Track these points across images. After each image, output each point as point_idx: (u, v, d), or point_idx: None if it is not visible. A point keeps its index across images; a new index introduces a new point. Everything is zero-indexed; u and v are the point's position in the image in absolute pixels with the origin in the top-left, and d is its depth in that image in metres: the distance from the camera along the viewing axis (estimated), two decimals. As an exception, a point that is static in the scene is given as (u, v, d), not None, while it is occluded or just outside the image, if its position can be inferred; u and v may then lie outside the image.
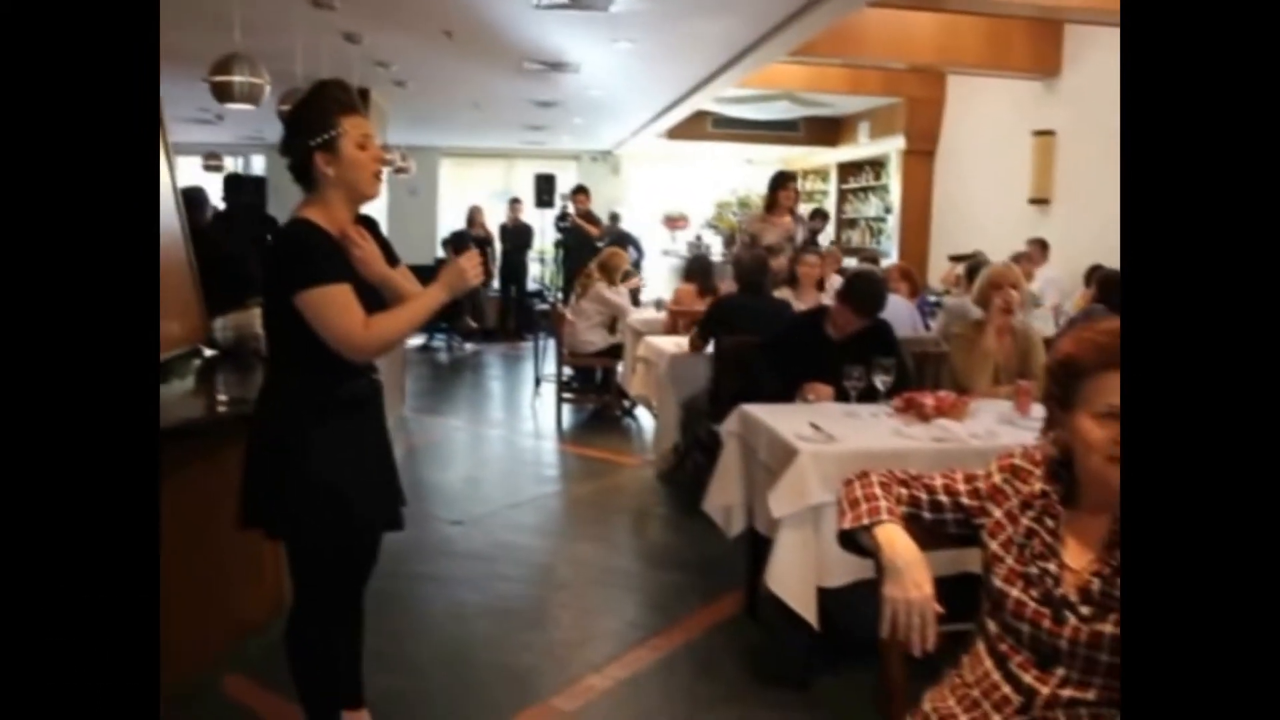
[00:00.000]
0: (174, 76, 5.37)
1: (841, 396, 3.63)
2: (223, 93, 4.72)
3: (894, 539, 1.68)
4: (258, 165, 14.19)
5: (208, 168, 12.11)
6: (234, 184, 8.51)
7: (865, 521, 1.72)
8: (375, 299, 2.41)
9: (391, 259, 2.50)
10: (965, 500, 1.76)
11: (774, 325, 4.52)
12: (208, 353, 4.03)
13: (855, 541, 1.77)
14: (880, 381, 3.55)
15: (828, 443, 3.06)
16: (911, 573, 1.63)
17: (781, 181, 6.81)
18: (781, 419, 3.34)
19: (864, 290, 3.88)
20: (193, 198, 7.55)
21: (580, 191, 11.58)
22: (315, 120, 2.30)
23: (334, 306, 2.23)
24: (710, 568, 4.27)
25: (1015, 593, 1.62)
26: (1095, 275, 6.18)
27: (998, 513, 1.70)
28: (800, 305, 5.34)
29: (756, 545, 3.57)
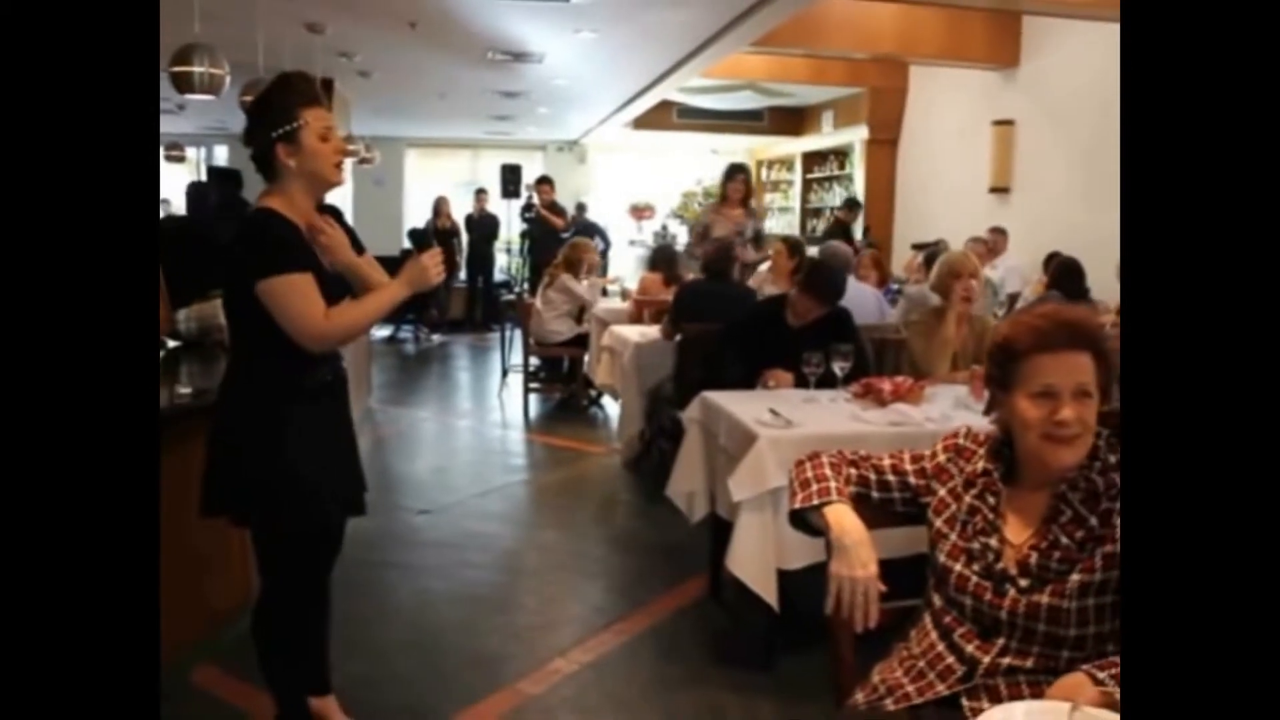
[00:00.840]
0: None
1: (801, 383, 3.70)
2: (183, 83, 4.70)
3: (842, 518, 1.74)
4: (220, 155, 14.06)
5: (170, 158, 11.98)
6: (225, 176, 8.50)
7: (815, 501, 1.78)
8: (340, 288, 2.45)
9: (357, 247, 2.53)
10: (912, 480, 1.82)
11: (739, 312, 4.58)
12: (171, 344, 4.04)
13: (805, 521, 1.84)
14: (839, 368, 3.62)
15: (786, 428, 3.12)
16: (858, 551, 1.69)
17: (730, 174, 6.88)
18: (741, 405, 3.40)
19: (823, 278, 3.95)
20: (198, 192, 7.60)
21: (544, 182, 11.60)
22: (277, 112, 2.32)
23: (293, 295, 2.26)
24: (674, 553, 4.33)
25: (958, 567, 1.69)
26: (1052, 262, 6.30)
27: (942, 491, 1.77)
28: (775, 291, 5.40)
29: (719, 530, 3.62)
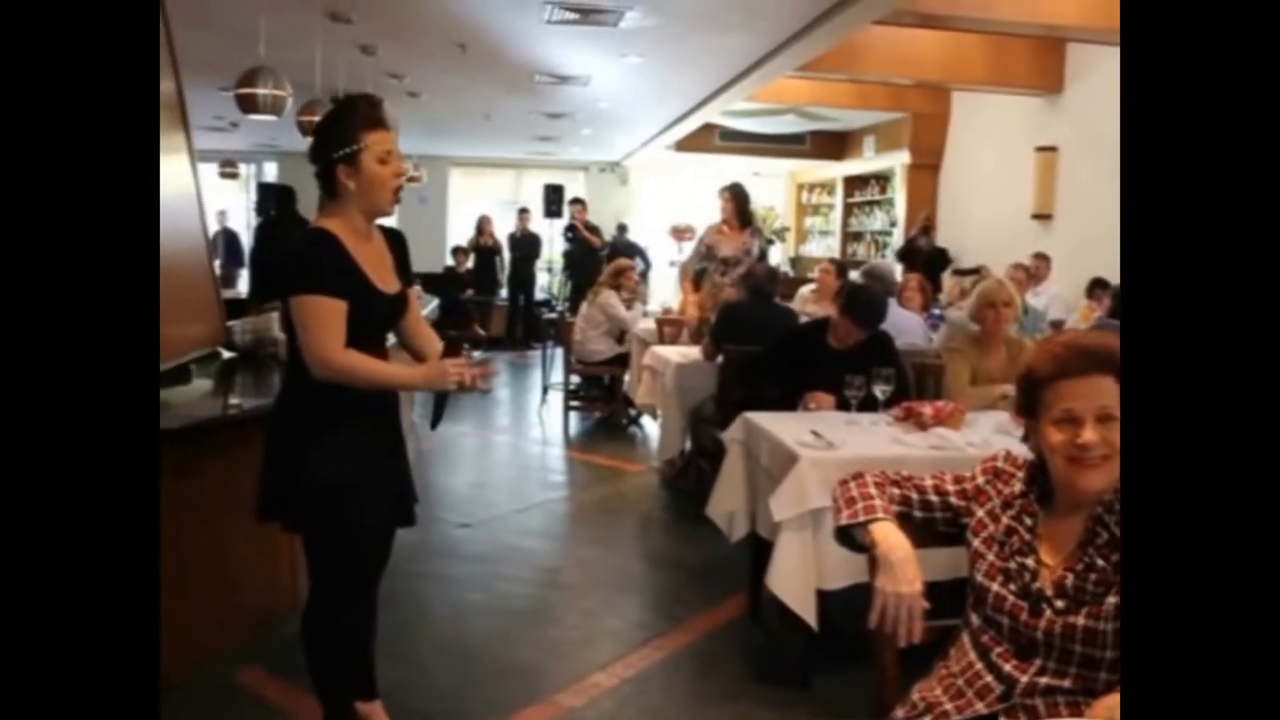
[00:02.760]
0: (192, 85, 5.46)
1: (842, 405, 3.73)
2: (248, 104, 4.83)
3: (889, 535, 1.78)
4: (270, 172, 14.32)
5: (223, 174, 12.21)
6: (280, 193, 8.75)
7: (861, 518, 1.82)
8: (394, 310, 2.53)
9: (406, 273, 2.60)
10: (954, 500, 1.86)
11: (780, 334, 4.62)
12: (225, 354, 4.14)
13: (851, 537, 1.87)
14: (880, 391, 3.64)
15: (828, 449, 3.16)
16: (904, 568, 1.73)
17: (721, 192, 6.71)
18: (783, 426, 3.44)
19: (865, 302, 3.99)
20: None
21: (576, 202, 11.74)
22: (339, 133, 2.38)
23: (319, 319, 2.32)
24: (712, 571, 4.36)
25: (995, 587, 1.72)
26: (1107, 290, 6.26)
27: (980, 512, 1.80)
28: (819, 313, 5.43)
29: (759, 549, 3.65)
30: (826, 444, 3.19)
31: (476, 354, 11.66)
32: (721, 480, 3.76)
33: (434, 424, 2.67)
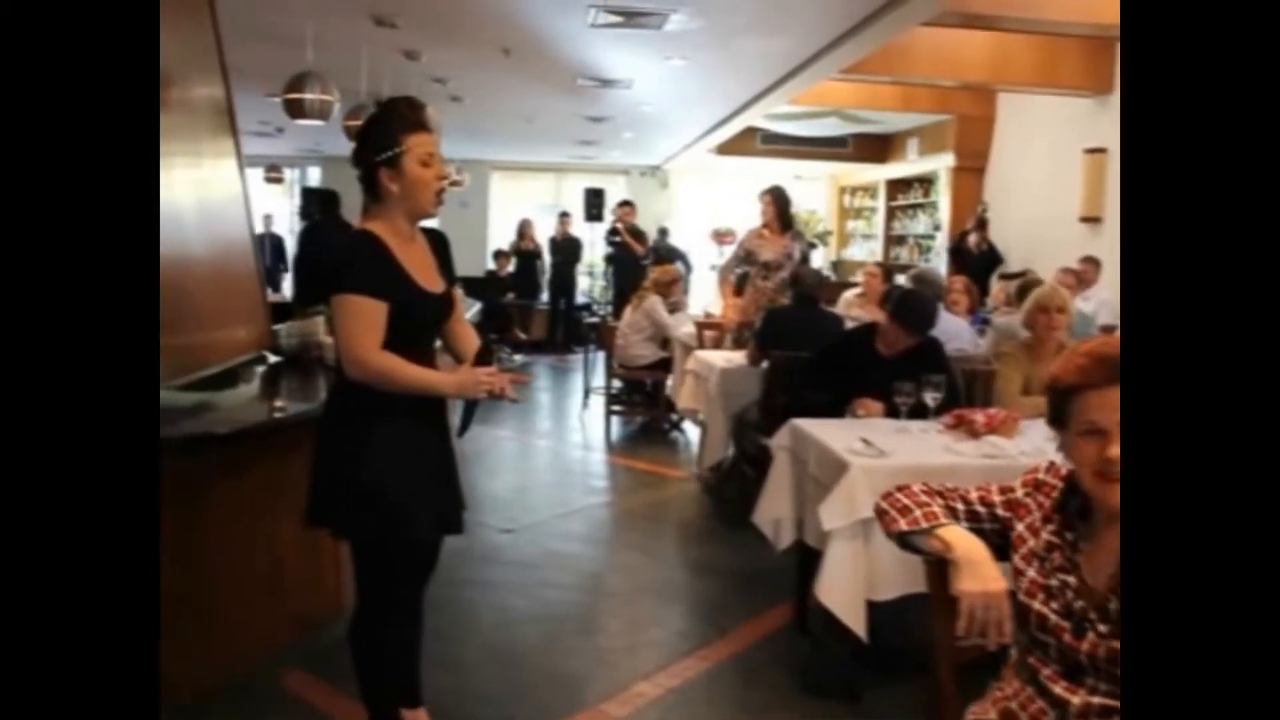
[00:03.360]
0: (239, 91, 5.50)
1: (891, 412, 3.67)
2: (295, 109, 4.85)
3: (960, 538, 1.73)
4: (314, 176, 14.45)
5: (268, 179, 12.34)
6: (324, 197, 8.84)
7: (924, 525, 1.76)
8: (439, 310, 2.53)
9: (449, 273, 2.59)
10: (1000, 511, 1.79)
11: (825, 339, 4.57)
12: (271, 359, 4.15)
13: (912, 545, 1.82)
14: (930, 398, 3.58)
15: (879, 457, 3.10)
16: (985, 567, 1.68)
17: (760, 196, 6.59)
18: (832, 433, 3.39)
19: (915, 308, 3.92)
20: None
21: (625, 205, 11.68)
22: (381, 136, 2.39)
23: (356, 318, 2.32)
24: (757, 580, 4.31)
25: (1037, 605, 1.65)
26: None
27: (1020, 526, 1.74)
28: (865, 317, 5.36)
29: (806, 558, 3.60)
30: (877, 452, 3.13)
31: (517, 358, 11.76)
32: (768, 487, 3.71)
33: (461, 431, 2.65)
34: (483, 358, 2.49)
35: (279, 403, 3.91)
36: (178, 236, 3.31)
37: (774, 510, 3.67)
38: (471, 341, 2.66)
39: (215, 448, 2.99)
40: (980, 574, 1.67)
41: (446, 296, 2.56)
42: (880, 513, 1.88)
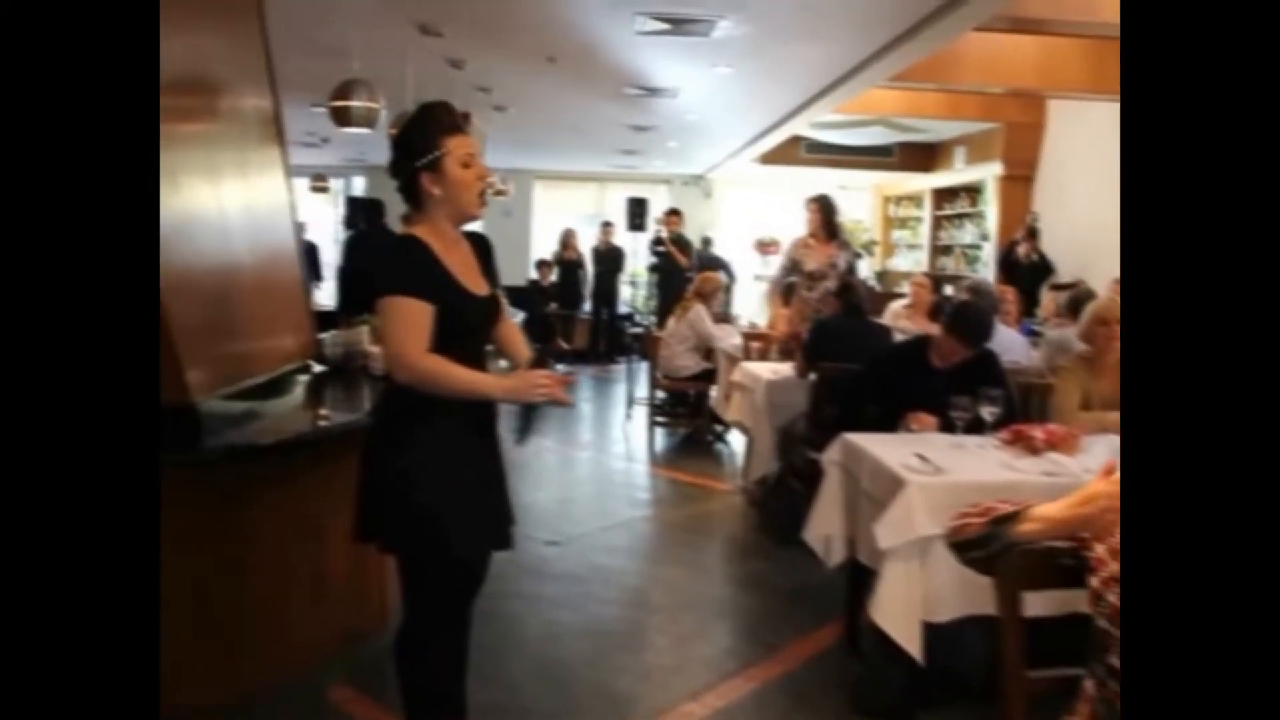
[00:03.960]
0: (285, 102, 5.53)
1: (946, 427, 3.57)
2: (341, 117, 4.85)
3: (1055, 503, 1.71)
4: (358, 186, 14.56)
5: (314, 189, 12.45)
6: (368, 205, 8.89)
7: (1009, 509, 1.71)
8: (487, 315, 2.49)
9: (492, 276, 2.56)
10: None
11: (873, 351, 4.48)
12: (316, 368, 4.13)
13: (995, 542, 1.76)
14: (988, 413, 3.48)
15: (936, 474, 3.01)
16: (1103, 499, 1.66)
17: (807, 204, 6.48)
18: (886, 449, 3.30)
19: (971, 320, 3.81)
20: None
21: (673, 213, 11.59)
22: (419, 141, 2.36)
23: (403, 319, 2.28)
24: (806, 597, 4.22)
25: (1116, 632, 1.57)
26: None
27: (1101, 548, 1.66)
28: (913, 329, 5.26)
29: (857, 576, 3.52)
30: (934, 468, 3.05)
31: (560, 368, 11.73)
32: (819, 503, 3.63)
33: (520, 439, 2.59)
34: (539, 361, 2.46)
35: (323, 413, 3.90)
36: (225, 246, 3.31)
37: (825, 526, 3.59)
38: (522, 348, 2.62)
39: (260, 458, 2.97)
40: (1100, 499, 1.66)
41: (493, 299, 2.52)
42: (956, 530, 1.81)
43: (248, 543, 3.15)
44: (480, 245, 2.56)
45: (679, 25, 5.54)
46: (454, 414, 2.39)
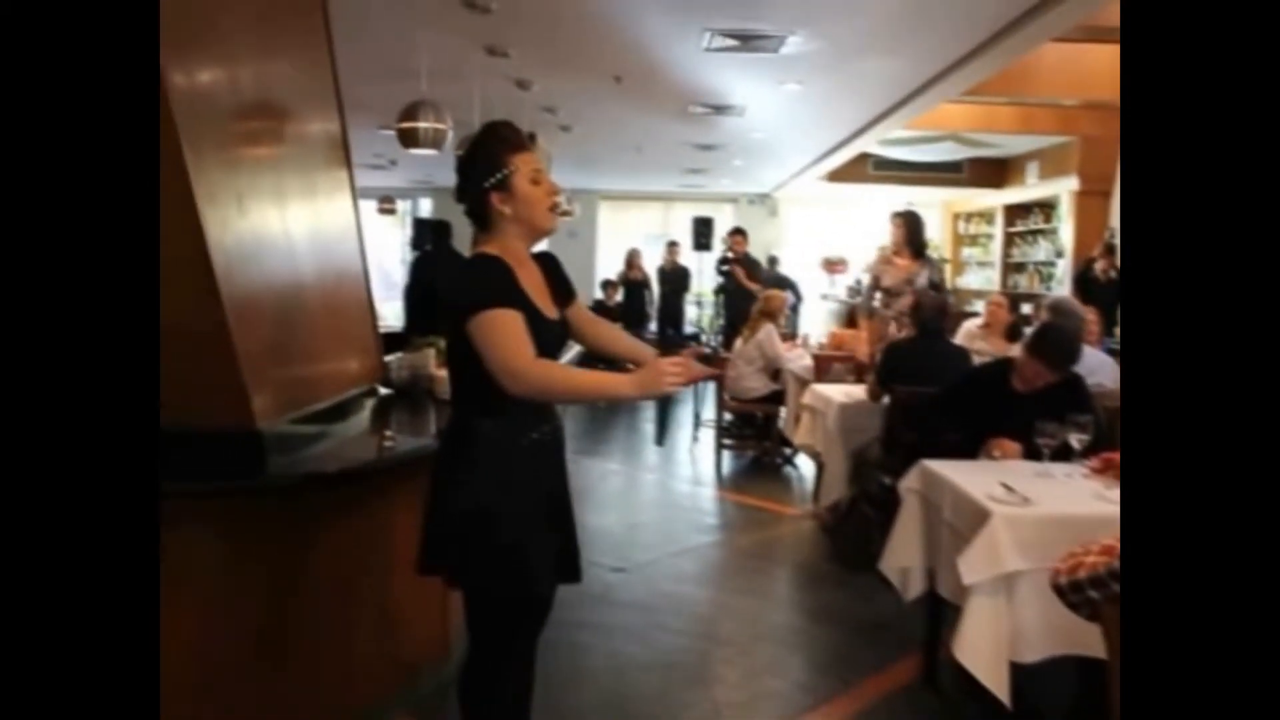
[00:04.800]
0: (353, 124, 5.54)
1: (1031, 454, 3.41)
2: (408, 139, 4.83)
3: None
4: (425, 208, 14.68)
5: (381, 211, 12.58)
6: (436, 227, 8.94)
7: None
8: (559, 337, 2.42)
9: (568, 293, 2.51)
10: None
11: (951, 374, 4.33)
12: (383, 391, 4.09)
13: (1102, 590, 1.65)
14: (1076, 440, 3.31)
15: (1023, 505, 2.86)
16: None
17: (891, 219, 6.25)
18: (968, 477, 3.16)
19: (1057, 342, 3.65)
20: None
21: (737, 233, 11.40)
22: (486, 161, 2.31)
23: (504, 331, 2.19)
24: (882, 629, 4.07)
25: None
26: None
27: None
28: (989, 350, 5.09)
29: (935, 608, 3.38)
30: (1021, 499, 2.89)
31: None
32: (896, 533, 3.49)
33: (659, 438, 2.47)
34: (670, 348, 2.36)
35: (388, 439, 3.85)
36: (291, 269, 3.28)
37: (902, 558, 3.45)
38: (635, 341, 2.56)
39: (325, 486, 2.92)
40: None
41: (564, 322, 2.46)
42: (1068, 569, 1.69)
43: (311, 571, 3.09)
44: (548, 263, 2.50)
45: (748, 41, 5.46)
46: (530, 443, 2.33)
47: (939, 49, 5.67)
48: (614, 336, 2.56)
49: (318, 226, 3.51)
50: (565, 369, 2.25)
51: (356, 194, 3.81)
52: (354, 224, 3.81)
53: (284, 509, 2.95)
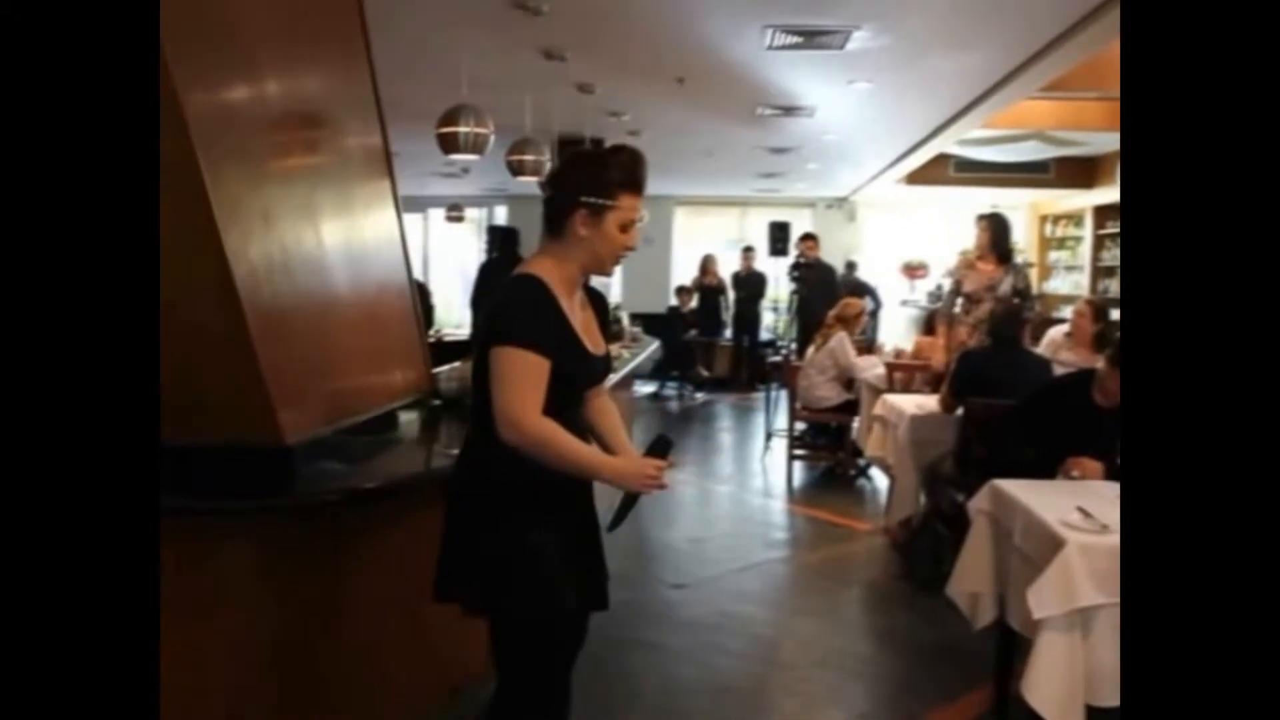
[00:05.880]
0: (420, 134, 5.51)
1: (1113, 475, 3.15)
2: (448, 144, 4.74)
3: None
4: (500, 215, 14.70)
5: (450, 218, 12.65)
6: (505, 234, 8.92)
7: None
8: (596, 373, 2.31)
9: (606, 329, 2.44)
10: None
11: (1029, 386, 4.06)
12: (431, 403, 3.99)
13: None
14: (1162, 458, 3.05)
15: (1101, 533, 2.61)
16: None
17: (976, 221, 5.94)
18: (1042, 499, 2.91)
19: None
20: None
21: (808, 238, 11.04)
22: (599, 180, 2.19)
23: (521, 374, 2.06)
24: (951, 657, 3.82)
25: None
26: None
27: None
28: (1073, 361, 4.80)
29: (1007, 637, 3.15)
30: (1099, 525, 2.65)
31: (699, 395, 11.52)
32: (965, 557, 3.27)
33: (613, 525, 2.32)
34: (659, 448, 2.19)
35: (428, 453, 3.74)
36: (323, 282, 3.18)
37: (971, 583, 3.22)
38: (621, 428, 2.41)
39: (356, 504, 2.83)
40: None
41: (606, 358, 2.35)
42: None
43: (345, 590, 3.00)
44: (598, 300, 2.41)
45: (811, 38, 5.24)
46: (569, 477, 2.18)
47: (1015, 41, 5.39)
48: (612, 428, 2.40)
49: (354, 238, 3.42)
50: (563, 436, 2.10)
51: (400, 204, 3.72)
52: (397, 235, 3.71)
53: (317, 526, 2.86)
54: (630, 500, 2.23)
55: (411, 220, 14.61)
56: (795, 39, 5.28)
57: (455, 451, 3.38)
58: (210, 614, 2.71)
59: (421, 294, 7.64)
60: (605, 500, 2.35)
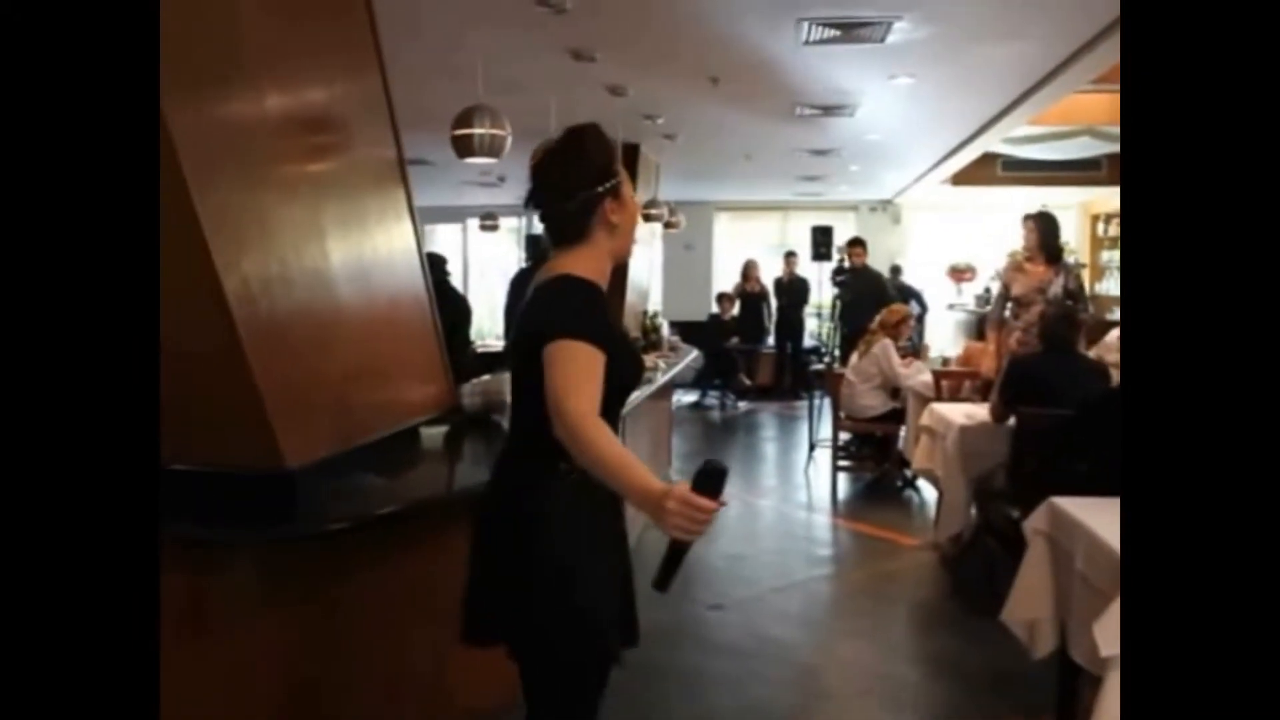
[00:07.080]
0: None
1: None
2: (463, 146, 4.58)
3: None
4: (538, 224, 14.60)
5: (484, 227, 12.57)
6: (537, 243, 8.83)
7: None
8: (625, 395, 2.15)
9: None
10: None
11: (1085, 393, 3.81)
12: (453, 420, 3.83)
13: None
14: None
15: (1172, 558, 2.37)
16: None
17: (1023, 221, 5.69)
18: (1105, 520, 2.66)
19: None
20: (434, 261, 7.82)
21: (855, 244, 10.68)
22: (600, 165, 2.04)
23: (584, 367, 1.88)
24: (1005, 685, 3.57)
25: None
26: None
27: None
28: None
29: (1067, 665, 2.90)
30: (1169, 550, 2.40)
31: (741, 405, 11.30)
32: (1021, 581, 3.03)
33: (661, 583, 1.83)
34: (709, 483, 1.71)
35: (450, 472, 3.58)
36: (329, 296, 3.03)
37: (1029, 609, 2.99)
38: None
39: (362, 530, 2.66)
40: None
41: (637, 363, 2.24)
42: None
43: (354, 621, 2.85)
44: None
45: (849, 30, 5.02)
46: (608, 493, 1.96)
47: (1066, 28, 5.12)
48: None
49: (365, 249, 3.26)
50: (611, 441, 1.83)
51: (416, 215, 3.56)
52: (412, 246, 3.55)
53: (323, 554, 2.72)
54: (679, 551, 1.79)
55: (450, 230, 14.64)
56: (833, 32, 5.05)
57: (478, 468, 3.24)
58: (206, 646, 2.57)
59: (460, 304, 7.58)
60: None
